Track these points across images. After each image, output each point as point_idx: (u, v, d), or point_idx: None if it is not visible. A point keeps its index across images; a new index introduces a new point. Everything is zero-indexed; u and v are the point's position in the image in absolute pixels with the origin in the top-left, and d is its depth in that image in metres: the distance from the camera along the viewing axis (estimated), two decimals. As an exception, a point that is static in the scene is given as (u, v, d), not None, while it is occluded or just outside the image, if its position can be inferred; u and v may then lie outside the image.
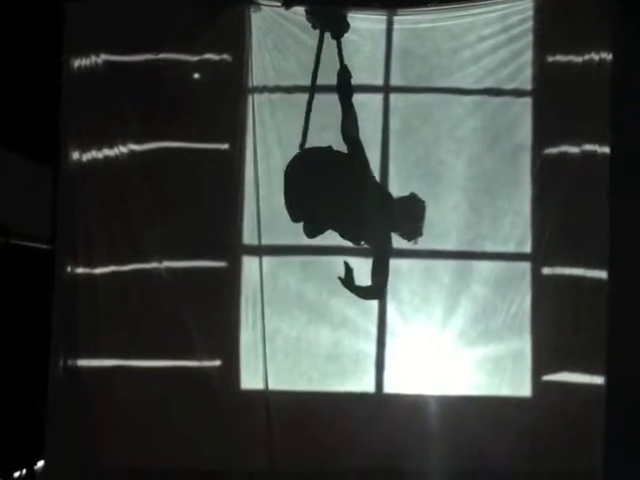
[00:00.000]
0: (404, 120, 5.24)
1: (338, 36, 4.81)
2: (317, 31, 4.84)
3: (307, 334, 5.16)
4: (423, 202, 4.69)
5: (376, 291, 4.73)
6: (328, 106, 5.04)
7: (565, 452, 5.03)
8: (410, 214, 4.65)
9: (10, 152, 5.30)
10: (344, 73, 4.72)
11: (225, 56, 5.18)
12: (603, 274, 5.05)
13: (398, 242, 4.68)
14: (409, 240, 4.64)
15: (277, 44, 5.14)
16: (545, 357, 5.15)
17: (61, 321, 4.98)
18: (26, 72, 5.31)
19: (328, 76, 4.89)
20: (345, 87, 4.71)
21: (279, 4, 5.03)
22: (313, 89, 4.81)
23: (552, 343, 5.11)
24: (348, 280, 4.59)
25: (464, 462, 5.04)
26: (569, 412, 5.05)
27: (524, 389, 5.20)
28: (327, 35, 4.84)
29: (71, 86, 5.01)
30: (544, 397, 5.15)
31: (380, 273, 4.63)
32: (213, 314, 5.10)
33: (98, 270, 5.07)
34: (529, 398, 5.20)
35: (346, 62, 4.76)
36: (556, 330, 5.09)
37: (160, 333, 5.03)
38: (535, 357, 5.17)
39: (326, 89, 4.97)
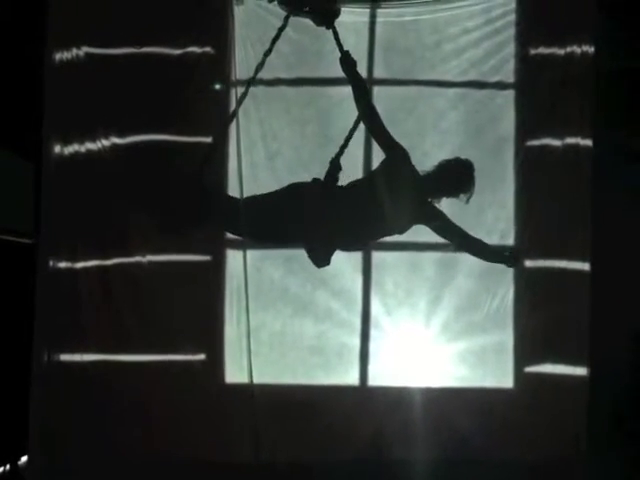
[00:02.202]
0: (387, 112, 5.19)
1: (330, 24, 4.72)
2: (302, 25, 4.81)
3: (291, 327, 5.16)
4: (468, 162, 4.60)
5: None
6: (310, 99, 5.07)
7: (547, 442, 5.08)
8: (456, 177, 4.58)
9: (-8, 146, 5.27)
10: (347, 60, 4.54)
11: (208, 49, 5.15)
12: (585, 266, 5.10)
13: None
14: (466, 202, 4.59)
15: (260, 37, 5.10)
16: (527, 349, 5.19)
17: (44, 315, 4.93)
18: (8, 64, 5.27)
19: (309, 68, 4.89)
20: (350, 76, 4.56)
21: (262, -3, 5.03)
22: (250, 82, 4.70)
23: (534, 335, 5.15)
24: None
25: (448, 453, 5.07)
26: (550, 403, 5.10)
27: (506, 381, 5.24)
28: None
29: (54, 79, 4.95)
30: (526, 388, 5.19)
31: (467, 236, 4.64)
32: (197, 308, 5.08)
33: (81, 264, 5.03)
34: (511, 389, 5.23)
35: (330, 55, 4.76)
36: (538, 322, 5.13)
37: (144, 327, 5.01)
38: (517, 349, 5.21)
39: (307, 82, 4.97)
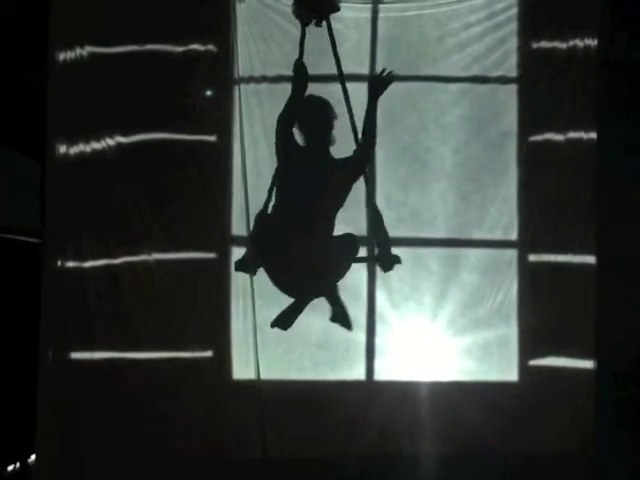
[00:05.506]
0: (390, 108, 5.22)
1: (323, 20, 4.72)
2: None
3: (298, 323, 5.15)
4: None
5: None
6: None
7: (551, 436, 5.11)
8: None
9: (-3, 145, 5.29)
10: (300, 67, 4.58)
11: (210, 47, 5.17)
12: (589, 259, 5.12)
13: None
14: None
15: (262, 34, 5.14)
16: (531, 343, 5.21)
17: (50, 314, 4.96)
18: (12, 64, 5.28)
19: (312, 65, 4.88)
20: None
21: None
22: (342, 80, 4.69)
23: (538, 329, 5.17)
24: None
25: (454, 446, 5.11)
26: (555, 396, 5.13)
27: (511, 374, 5.27)
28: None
29: (57, 78, 4.98)
30: (530, 382, 5.22)
31: None
32: (204, 305, 5.11)
33: (88, 263, 5.06)
34: (516, 383, 5.26)
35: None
36: (542, 316, 5.15)
37: (151, 325, 5.04)
38: (522, 343, 5.23)
39: (309, 78, 4.97)
